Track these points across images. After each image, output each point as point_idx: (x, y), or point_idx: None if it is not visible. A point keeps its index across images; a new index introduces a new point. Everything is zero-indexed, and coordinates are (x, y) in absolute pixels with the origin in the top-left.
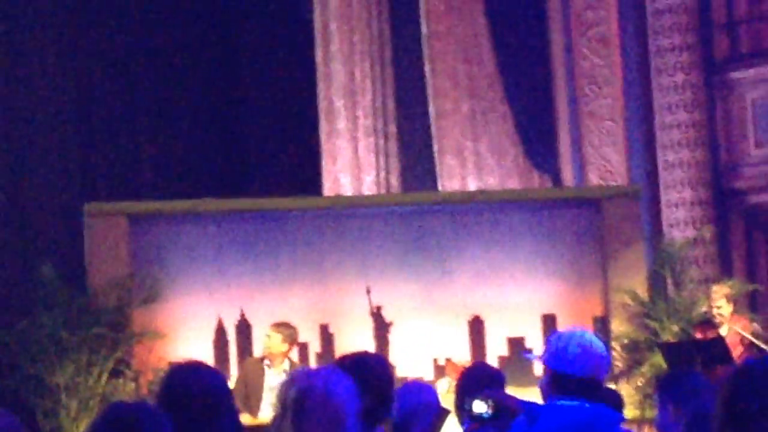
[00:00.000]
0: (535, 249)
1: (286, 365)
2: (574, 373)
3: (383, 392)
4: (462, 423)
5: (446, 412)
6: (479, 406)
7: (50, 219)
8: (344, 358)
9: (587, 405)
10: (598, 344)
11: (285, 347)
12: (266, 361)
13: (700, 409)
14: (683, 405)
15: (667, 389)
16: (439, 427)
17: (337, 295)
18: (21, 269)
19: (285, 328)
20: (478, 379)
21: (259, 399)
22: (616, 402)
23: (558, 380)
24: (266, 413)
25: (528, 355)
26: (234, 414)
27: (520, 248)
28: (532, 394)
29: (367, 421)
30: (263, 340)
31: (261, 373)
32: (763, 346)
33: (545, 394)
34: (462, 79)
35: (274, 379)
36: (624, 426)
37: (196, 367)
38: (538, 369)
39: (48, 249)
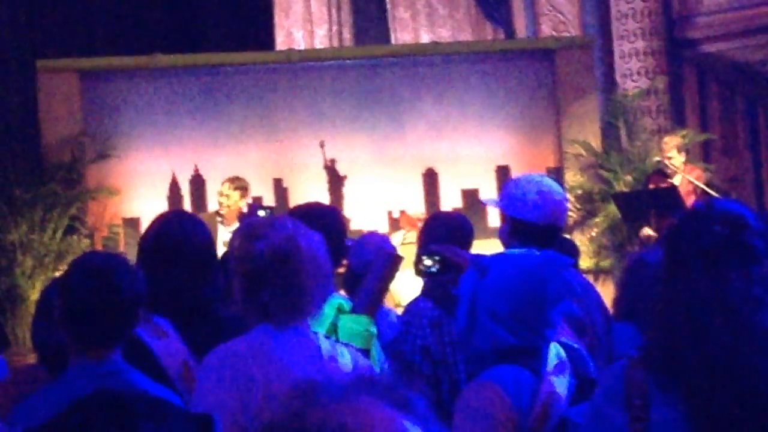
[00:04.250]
0: (488, 101)
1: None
2: (533, 220)
3: (336, 240)
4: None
5: (400, 258)
6: (427, 262)
7: (1, 76)
8: (296, 209)
9: (536, 252)
10: (557, 189)
11: (243, 203)
12: (219, 218)
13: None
14: None
15: None
16: (392, 273)
17: (290, 149)
18: None
19: (240, 183)
20: (440, 229)
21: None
22: (571, 252)
23: (517, 227)
24: None
25: (486, 201)
26: (219, 270)
27: (474, 100)
28: (488, 246)
29: None
30: (220, 198)
31: (214, 229)
32: (715, 194)
33: (505, 243)
34: None
35: (227, 235)
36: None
37: (188, 217)
38: (493, 220)
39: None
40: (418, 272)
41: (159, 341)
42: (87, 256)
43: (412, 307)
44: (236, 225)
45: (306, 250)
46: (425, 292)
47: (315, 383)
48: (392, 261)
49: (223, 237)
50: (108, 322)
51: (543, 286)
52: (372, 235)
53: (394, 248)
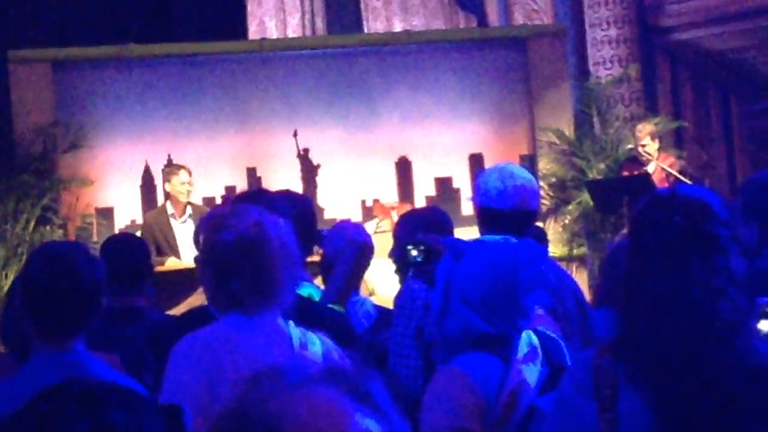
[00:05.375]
0: (461, 89)
1: (188, 211)
2: (498, 207)
3: (308, 228)
4: (397, 267)
5: (370, 247)
6: (413, 252)
7: None
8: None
9: (513, 239)
10: (521, 174)
11: (191, 188)
12: (170, 211)
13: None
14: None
15: None
16: (363, 263)
17: (263, 138)
18: None
19: (182, 169)
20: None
21: (174, 248)
22: (539, 237)
23: (485, 215)
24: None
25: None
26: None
27: (447, 89)
28: (462, 234)
29: None
30: (188, 187)
31: (167, 226)
32: (688, 182)
33: (480, 232)
34: None
35: (181, 227)
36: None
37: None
38: (467, 209)
39: None
40: (404, 263)
41: None
42: (47, 245)
43: (405, 289)
44: (186, 216)
45: (274, 238)
46: (416, 274)
47: (270, 371)
48: (362, 250)
49: (180, 232)
50: (68, 309)
51: (516, 275)
52: (346, 223)
53: (368, 237)
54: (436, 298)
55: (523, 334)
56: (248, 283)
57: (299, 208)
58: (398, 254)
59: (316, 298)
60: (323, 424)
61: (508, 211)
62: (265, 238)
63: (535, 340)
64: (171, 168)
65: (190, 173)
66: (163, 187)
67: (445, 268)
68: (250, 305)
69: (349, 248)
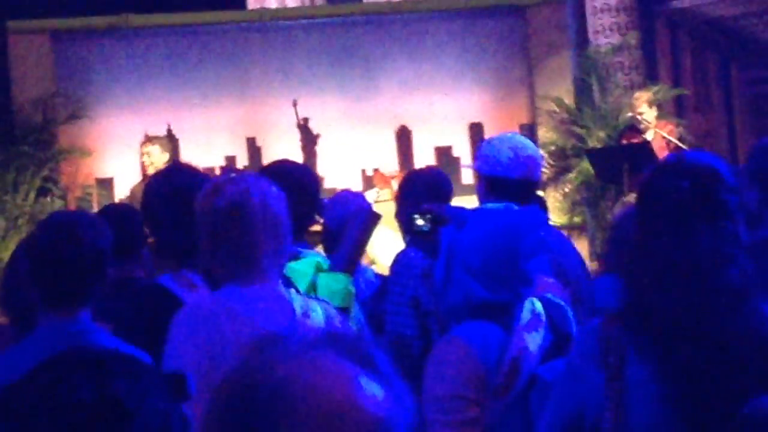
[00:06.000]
0: (461, 58)
1: None
2: (507, 176)
3: (309, 197)
4: (404, 232)
5: (378, 215)
6: (419, 222)
7: None
8: (267, 168)
9: (514, 207)
10: (529, 145)
11: (165, 157)
12: None
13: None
14: None
15: None
16: (371, 231)
17: (263, 108)
18: None
19: (162, 139)
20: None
21: None
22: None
23: (493, 185)
24: None
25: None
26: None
27: (447, 58)
28: (462, 203)
29: (295, 226)
30: (144, 158)
31: None
32: (688, 149)
33: (482, 201)
34: None
35: None
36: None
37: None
38: (467, 177)
39: None
40: (411, 232)
41: (189, 292)
42: (53, 214)
43: (402, 257)
44: None
45: (258, 204)
46: (414, 242)
47: (273, 337)
48: (370, 218)
49: None
50: (72, 277)
51: (516, 241)
52: (348, 193)
53: (370, 206)
54: (439, 268)
55: (526, 302)
56: (233, 250)
57: (299, 177)
58: (403, 219)
59: (324, 266)
60: (330, 388)
61: (516, 180)
62: (248, 203)
63: (538, 307)
64: (146, 139)
65: (154, 143)
66: (141, 160)
67: (447, 237)
68: (239, 274)
69: (357, 216)
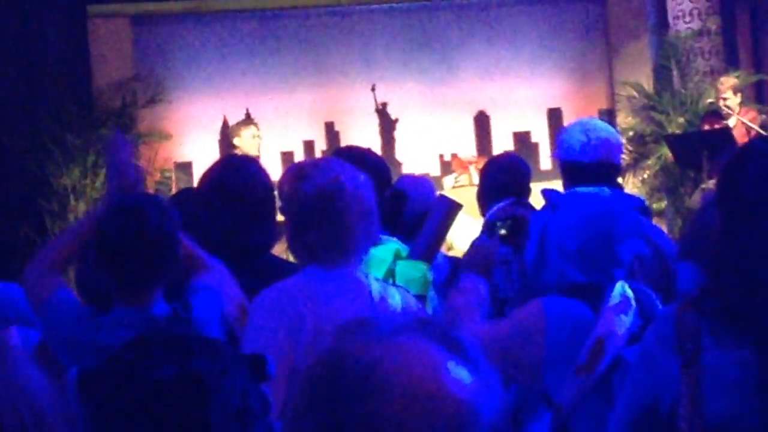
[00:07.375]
0: (540, 44)
1: None
2: (582, 160)
3: (384, 181)
4: (484, 216)
5: (459, 205)
6: (500, 230)
7: (54, 21)
8: (337, 152)
9: (607, 190)
10: (604, 127)
11: (257, 143)
12: None
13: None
14: None
15: None
16: (451, 220)
17: (341, 92)
18: (22, 73)
19: (251, 123)
20: (497, 173)
21: None
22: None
23: (570, 170)
24: None
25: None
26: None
27: (525, 43)
28: (540, 188)
29: None
30: (240, 141)
31: None
32: None
33: (564, 187)
34: None
35: None
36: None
37: (250, 162)
38: (545, 163)
39: (52, 53)
40: (495, 235)
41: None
42: (120, 198)
43: (478, 243)
44: None
45: (351, 191)
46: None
47: (362, 321)
48: (452, 208)
49: None
50: (140, 261)
51: (611, 224)
52: (423, 180)
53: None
54: (531, 250)
55: (617, 285)
56: (324, 235)
57: (369, 162)
58: (483, 204)
59: (403, 254)
60: (418, 372)
61: (591, 164)
62: (342, 190)
63: (629, 291)
64: (239, 122)
65: (258, 128)
66: (232, 142)
67: (540, 220)
68: (327, 258)
69: (439, 205)
